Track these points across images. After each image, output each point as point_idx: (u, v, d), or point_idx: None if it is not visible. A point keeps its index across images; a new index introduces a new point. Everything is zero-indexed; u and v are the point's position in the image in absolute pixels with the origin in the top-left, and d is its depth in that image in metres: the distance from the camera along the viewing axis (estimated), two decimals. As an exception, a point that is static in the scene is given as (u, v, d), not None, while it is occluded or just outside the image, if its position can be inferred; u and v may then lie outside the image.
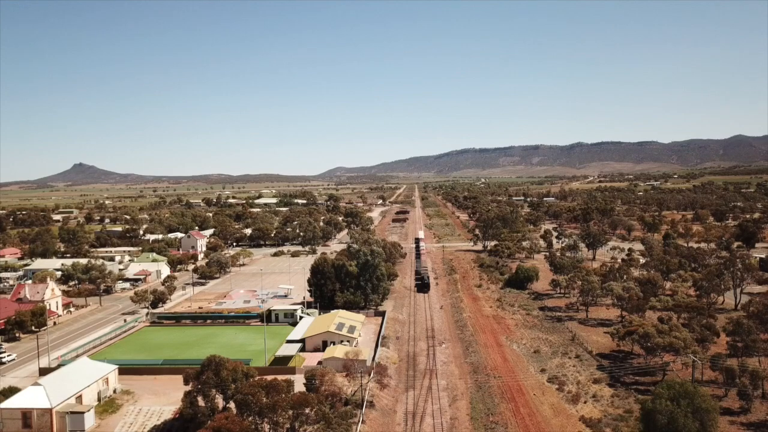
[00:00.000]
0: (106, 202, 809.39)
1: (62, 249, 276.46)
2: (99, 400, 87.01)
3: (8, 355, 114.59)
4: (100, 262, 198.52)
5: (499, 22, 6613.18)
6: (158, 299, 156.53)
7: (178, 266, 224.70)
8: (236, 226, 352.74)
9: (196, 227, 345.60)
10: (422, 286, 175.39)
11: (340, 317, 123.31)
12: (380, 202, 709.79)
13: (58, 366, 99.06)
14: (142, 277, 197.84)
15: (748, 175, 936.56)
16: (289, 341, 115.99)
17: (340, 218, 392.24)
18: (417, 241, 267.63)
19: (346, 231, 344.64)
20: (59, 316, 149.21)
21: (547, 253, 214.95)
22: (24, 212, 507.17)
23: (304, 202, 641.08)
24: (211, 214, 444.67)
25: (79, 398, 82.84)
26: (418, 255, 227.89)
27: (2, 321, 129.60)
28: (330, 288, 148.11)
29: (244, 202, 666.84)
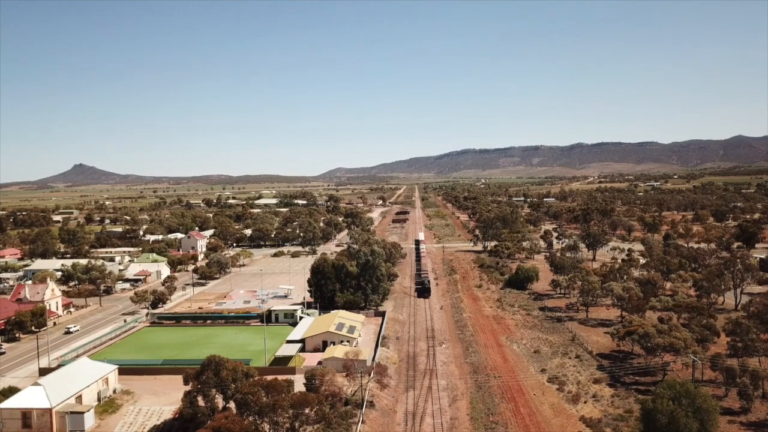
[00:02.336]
0: (107, 202, 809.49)
1: (62, 249, 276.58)
2: (99, 400, 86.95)
3: (74, 326, 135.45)
4: (100, 262, 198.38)
5: (499, 22, 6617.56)
6: (158, 299, 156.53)
7: (178, 267, 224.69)
8: (236, 227, 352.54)
9: (196, 228, 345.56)
10: (423, 290, 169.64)
11: (340, 317, 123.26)
12: (380, 202, 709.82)
13: (58, 366, 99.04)
14: (142, 277, 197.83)
15: (748, 176, 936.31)
16: (289, 341, 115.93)
17: (340, 219, 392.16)
18: (417, 242, 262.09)
19: (346, 231, 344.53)
20: (59, 316, 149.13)
21: (547, 254, 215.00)
22: (24, 213, 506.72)
23: (304, 202, 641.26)
24: (211, 215, 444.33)
25: (79, 398, 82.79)
26: (418, 257, 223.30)
27: (2, 321, 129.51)
28: (330, 288, 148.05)
29: (244, 202, 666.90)
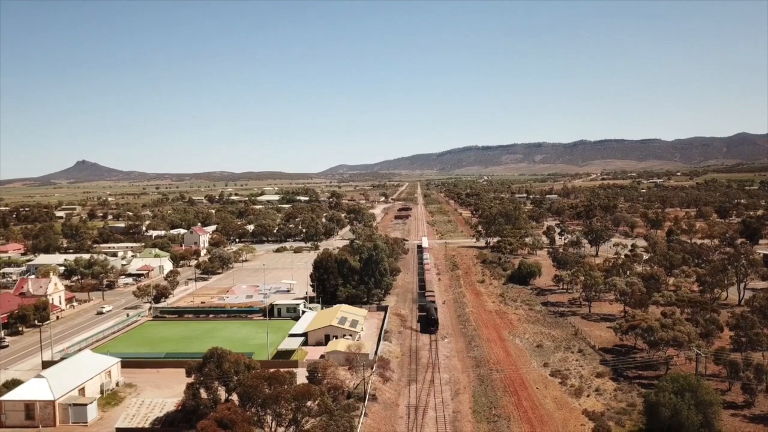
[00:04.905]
0: (109, 198, 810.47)
1: (65, 245, 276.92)
2: (102, 392, 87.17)
3: (107, 307, 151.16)
4: (102, 257, 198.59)
5: (501, 19, 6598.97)
6: (161, 294, 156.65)
7: (181, 262, 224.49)
8: (239, 223, 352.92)
9: (199, 223, 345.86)
10: (428, 322, 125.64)
11: (343, 311, 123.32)
12: (383, 199, 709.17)
13: (61, 359, 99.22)
14: (144, 272, 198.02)
15: (751, 173, 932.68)
16: (291, 335, 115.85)
17: (343, 215, 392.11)
18: (420, 249, 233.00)
19: (348, 227, 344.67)
20: (62, 310, 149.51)
21: (550, 249, 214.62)
22: (27, 209, 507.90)
23: (307, 199, 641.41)
24: (213, 211, 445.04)
25: (82, 391, 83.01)
26: (421, 269, 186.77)
27: (5, 315, 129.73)
28: (332, 283, 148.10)
29: (246, 198, 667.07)
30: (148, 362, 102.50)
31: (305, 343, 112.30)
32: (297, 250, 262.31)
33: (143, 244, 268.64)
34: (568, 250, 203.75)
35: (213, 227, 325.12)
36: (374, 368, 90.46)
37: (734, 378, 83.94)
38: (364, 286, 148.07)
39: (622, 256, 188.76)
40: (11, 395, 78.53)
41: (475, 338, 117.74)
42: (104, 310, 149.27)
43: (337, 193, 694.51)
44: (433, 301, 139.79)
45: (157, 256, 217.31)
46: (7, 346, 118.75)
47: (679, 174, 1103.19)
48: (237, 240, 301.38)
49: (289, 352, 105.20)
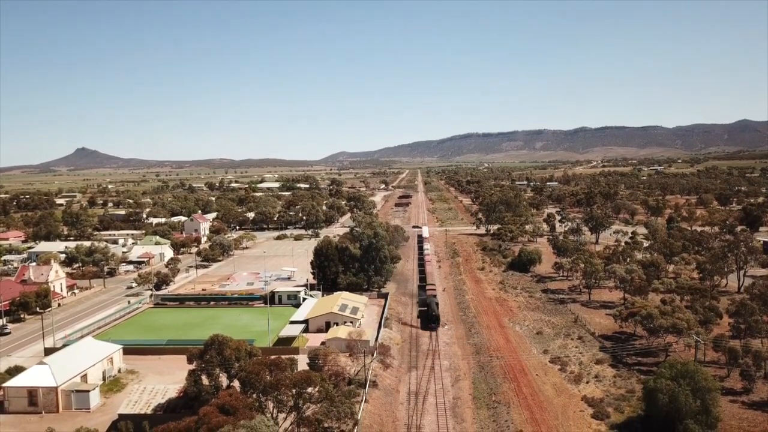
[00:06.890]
0: (109, 186, 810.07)
1: (65, 232, 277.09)
2: (104, 379, 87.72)
3: (135, 285, 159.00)
4: (103, 244, 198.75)
5: (501, 7, 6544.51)
6: (162, 281, 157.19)
7: (182, 249, 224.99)
8: (239, 210, 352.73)
9: (199, 211, 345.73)
10: (429, 318, 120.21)
11: (343, 299, 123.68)
12: (383, 186, 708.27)
13: (63, 346, 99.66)
14: (145, 259, 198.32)
15: (752, 160, 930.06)
16: (292, 322, 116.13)
17: (343, 202, 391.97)
18: (420, 239, 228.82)
19: (348, 215, 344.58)
20: (63, 297, 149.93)
21: (550, 237, 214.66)
22: (27, 196, 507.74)
23: (307, 186, 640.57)
24: (213, 198, 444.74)
25: (84, 377, 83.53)
26: (421, 261, 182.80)
27: (7, 302, 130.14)
28: (333, 270, 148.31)
29: (246, 186, 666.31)
30: (150, 349, 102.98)
31: (306, 330, 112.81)
32: (297, 238, 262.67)
33: (144, 231, 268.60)
34: (568, 237, 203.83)
35: (213, 215, 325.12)
36: (375, 355, 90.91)
37: (733, 365, 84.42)
38: (364, 274, 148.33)
39: (623, 244, 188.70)
40: (14, 382, 78.99)
41: (475, 325, 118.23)
42: (133, 285, 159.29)
43: (338, 180, 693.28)
44: (434, 296, 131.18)
45: (157, 243, 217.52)
46: (9, 333, 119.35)
47: (680, 161, 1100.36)
48: (237, 227, 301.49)
49: (290, 339, 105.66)
